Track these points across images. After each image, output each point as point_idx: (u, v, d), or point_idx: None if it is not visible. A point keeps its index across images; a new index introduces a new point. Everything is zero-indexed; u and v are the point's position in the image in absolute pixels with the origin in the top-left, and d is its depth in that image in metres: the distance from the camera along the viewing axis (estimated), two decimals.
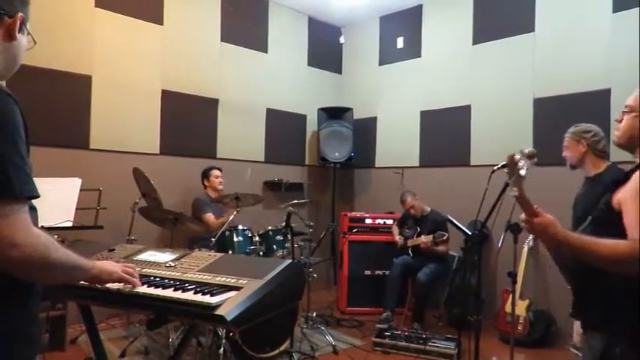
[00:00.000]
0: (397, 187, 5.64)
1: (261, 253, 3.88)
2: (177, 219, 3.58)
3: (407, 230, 4.88)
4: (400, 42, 6.04)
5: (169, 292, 1.45)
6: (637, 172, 1.46)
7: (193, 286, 1.47)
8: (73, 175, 3.20)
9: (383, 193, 5.97)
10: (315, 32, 6.42)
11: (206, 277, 1.56)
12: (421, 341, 3.83)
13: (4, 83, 1.13)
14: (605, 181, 2.43)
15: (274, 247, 4.06)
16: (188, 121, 5.12)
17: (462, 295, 4.32)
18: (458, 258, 4.82)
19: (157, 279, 1.58)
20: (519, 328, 4.12)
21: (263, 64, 5.83)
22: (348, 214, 5.41)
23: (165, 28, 4.95)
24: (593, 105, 4.19)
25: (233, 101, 5.51)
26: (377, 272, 5.15)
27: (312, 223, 4.79)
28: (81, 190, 3.12)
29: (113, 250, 1.91)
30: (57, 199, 2.96)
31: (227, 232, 3.94)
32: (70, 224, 2.97)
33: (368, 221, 5.31)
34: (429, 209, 4.83)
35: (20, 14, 1.16)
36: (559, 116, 4.46)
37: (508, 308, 4.13)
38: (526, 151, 2.24)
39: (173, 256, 1.79)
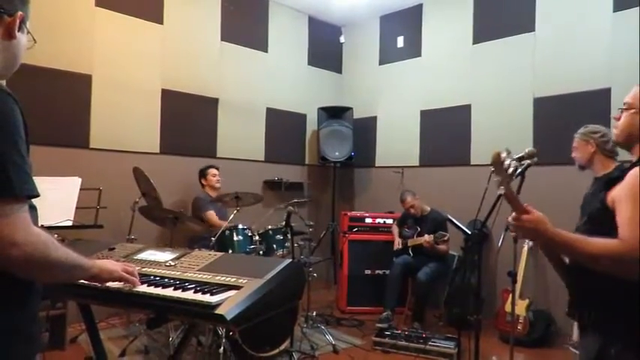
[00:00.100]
0: (397, 186, 5.64)
1: (261, 252, 3.88)
2: (177, 218, 3.58)
3: (407, 230, 4.89)
4: (400, 41, 6.03)
5: (169, 292, 1.45)
6: (631, 171, 1.45)
7: (193, 286, 1.47)
8: (73, 175, 3.20)
9: (383, 193, 5.97)
10: (316, 31, 6.41)
11: (206, 277, 1.55)
12: (421, 341, 3.83)
13: (4, 82, 1.13)
14: None
15: (274, 246, 4.06)
16: (188, 120, 5.12)
17: (462, 295, 4.32)
18: (458, 257, 4.82)
19: (157, 278, 1.58)
20: (519, 327, 4.12)
21: (263, 64, 5.83)
22: (348, 214, 5.40)
23: (166, 28, 4.95)
24: (594, 104, 4.19)
25: (233, 100, 5.51)
26: (377, 272, 5.16)
27: (312, 223, 4.80)
28: (81, 189, 3.13)
29: (113, 249, 1.91)
30: (57, 198, 2.97)
31: (227, 232, 3.94)
32: (70, 223, 2.97)
33: (368, 221, 5.31)
34: (428, 209, 4.83)
35: (20, 13, 1.16)
36: (559, 116, 4.46)
37: (508, 308, 4.13)
38: (526, 150, 2.25)
39: (173, 256, 1.79)
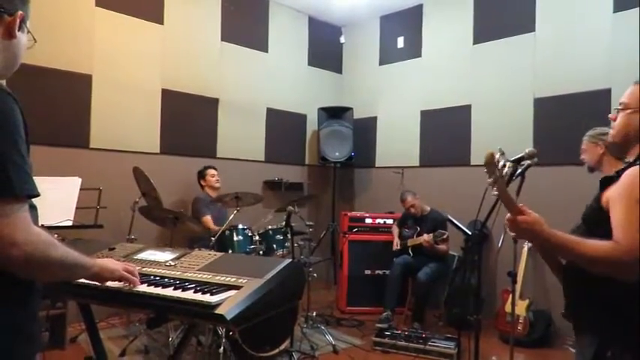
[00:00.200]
0: (397, 186, 5.63)
1: (261, 252, 3.88)
2: (177, 218, 3.58)
3: (406, 230, 4.89)
4: (400, 42, 6.03)
5: (169, 291, 1.45)
6: (627, 171, 1.42)
7: (193, 285, 1.47)
8: (73, 175, 3.21)
9: (383, 193, 5.97)
10: (316, 32, 6.41)
11: (206, 276, 1.55)
12: (421, 341, 3.83)
13: (4, 82, 1.13)
14: None
15: (274, 246, 4.06)
16: (188, 120, 5.12)
17: (462, 295, 4.32)
18: (458, 258, 4.82)
19: (157, 278, 1.58)
20: (519, 327, 4.12)
21: (263, 64, 5.83)
22: (348, 214, 5.40)
23: (166, 28, 4.95)
24: (594, 105, 4.18)
25: (233, 101, 5.51)
26: (377, 272, 5.15)
27: (312, 223, 4.80)
28: (81, 189, 3.13)
29: (113, 249, 1.91)
30: (57, 198, 2.97)
31: (227, 232, 3.94)
32: (70, 223, 2.98)
33: (368, 221, 5.31)
34: (428, 209, 4.83)
35: (20, 12, 1.16)
36: (559, 116, 4.47)
37: (508, 308, 4.13)
38: (526, 150, 2.25)
39: (173, 255, 1.79)
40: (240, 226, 4.02)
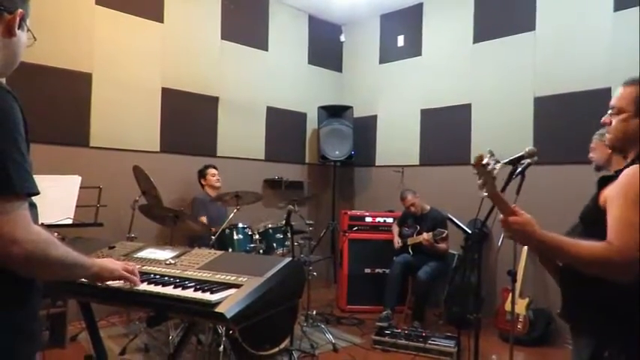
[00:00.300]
0: (397, 185, 5.63)
1: (261, 251, 3.88)
2: (177, 217, 3.58)
3: (406, 229, 4.89)
4: (401, 40, 6.03)
5: (169, 290, 1.45)
6: (625, 170, 1.41)
7: (193, 284, 1.47)
8: (73, 173, 3.21)
9: (383, 192, 5.97)
10: (316, 30, 6.41)
11: (206, 275, 1.55)
12: (421, 339, 3.83)
13: (3, 80, 1.12)
14: None
15: (274, 245, 4.06)
16: (188, 118, 5.12)
17: (462, 294, 4.32)
18: (458, 256, 4.82)
19: (157, 276, 1.58)
20: (519, 326, 4.12)
21: (263, 62, 5.83)
22: (348, 213, 5.40)
23: (166, 26, 4.94)
24: (594, 104, 4.17)
25: (233, 99, 5.51)
26: (377, 270, 5.16)
27: (312, 222, 4.80)
28: (81, 187, 3.13)
29: (113, 247, 1.91)
30: (57, 196, 2.97)
31: (227, 230, 3.94)
32: (70, 222, 2.98)
33: (368, 219, 5.31)
34: (428, 207, 4.83)
35: (20, 10, 1.16)
36: (559, 115, 4.46)
37: (508, 307, 4.13)
38: (526, 149, 2.25)
39: (173, 254, 1.79)
40: (240, 225, 4.02)
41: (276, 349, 3.45)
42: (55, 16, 4.16)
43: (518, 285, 3.89)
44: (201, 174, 4.80)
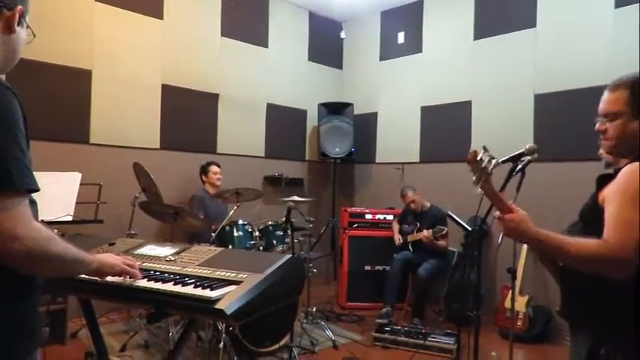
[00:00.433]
0: (397, 182, 5.64)
1: (261, 247, 3.88)
2: (177, 213, 3.57)
3: (406, 226, 4.89)
4: (401, 37, 6.02)
5: (169, 286, 1.45)
6: (624, 168, 1.41)
7: (193, 280, 1.48)
8: (73, 170, 3.20)
9: (383, 189, 5.97)
10: (316, 27, 6.39)
11: (206, 272, 1.56)
12: (421, 336, 3.84)
13: (3, 77, 1.12)
14: None
15: (274, 242, 4.06)
16: (188, 115, 5.11)
17: (462, 291, 4.32)
18: (458, 254, 4.82)
19: (157, 273, 1.58)
20: (519, 323, 4.13)
21: (263, 59, 5.82)
22: (349, 210, 5.41)
23: (166, 23, 4.93)
24: (595, 101, 4.10)
25: (233, 96, 5.50)
26: (377, 267, 5.16)
27: (312, 219, 4.80)
28: (81, 184, 3.13)
29: (113, 244, 1.91)
30: (57, 193, 2.97)
31: (227, 227, 3.93)
32: (70, 218, 2.98)
33: (368, 217, 5.32)
34: (428, 204, 4.83)
35: (19, 7, 1.15)
36: (560, 112, 4.46)
37: (508, 304, 4.13)
38: (527, 146, 2.24)
39: (173, 250, 1.79)
40: (241, 222, 4.01)
41: (276, 346, 3.46)
42: (54, 13, 4.16)
43: (518, 282, 3.89)
44: (204, 170, 4.79)
